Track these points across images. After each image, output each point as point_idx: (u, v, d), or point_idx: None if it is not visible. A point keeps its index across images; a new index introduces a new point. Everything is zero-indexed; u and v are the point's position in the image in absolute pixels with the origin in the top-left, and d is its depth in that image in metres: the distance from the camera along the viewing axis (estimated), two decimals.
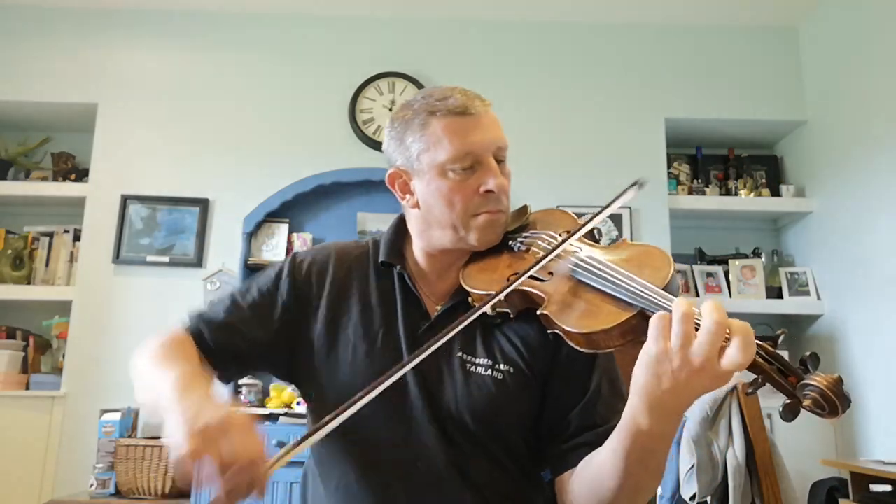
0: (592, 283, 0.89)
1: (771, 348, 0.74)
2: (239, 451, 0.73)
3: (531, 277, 0.94)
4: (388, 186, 1.09)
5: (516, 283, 0.92)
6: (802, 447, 2.86)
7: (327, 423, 0.80)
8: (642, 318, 0.81)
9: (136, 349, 1.04)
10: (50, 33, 3.32)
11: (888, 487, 2.34)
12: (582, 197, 3.15)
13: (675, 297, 0.78)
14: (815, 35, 3.31)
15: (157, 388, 0.87)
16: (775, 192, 3.37)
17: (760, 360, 0.73)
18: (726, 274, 3.28)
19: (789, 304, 3.18)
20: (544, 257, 0.93)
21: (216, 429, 0.74)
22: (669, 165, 3.41)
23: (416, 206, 1.05)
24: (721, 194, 3.38)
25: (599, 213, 0.96)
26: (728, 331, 0.71)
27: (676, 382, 0.73)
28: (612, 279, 0.87)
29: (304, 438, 0.79)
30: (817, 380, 0.69)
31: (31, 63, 3.29)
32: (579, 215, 1.09)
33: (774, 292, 3.22)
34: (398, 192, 1.07)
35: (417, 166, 1.02)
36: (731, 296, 3.21)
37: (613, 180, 3.22)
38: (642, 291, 0.82)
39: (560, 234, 1.02)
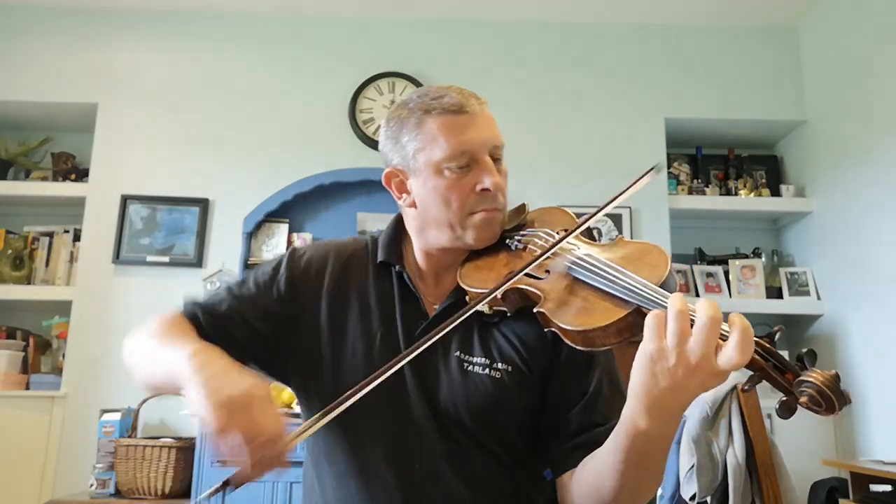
0: (589, 281, 0.88)
1: (767, 344, 0.73)
2: (262, 424, 0.74)
3: (528, 275, 0.93)
4: (385, 186, 1.08)
5: (511, 282, 0.91)
6: (802, 447, 2.86)
7: (344, 401, 0.81)
8: (638, 315, 0.80)
9: (133, 332, 1.02)
10: (50, 33, 3.32)
11: (888, 487, 2.34)
12: (581, 197, 3.14)
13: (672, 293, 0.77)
14: (815, 35, 3.31)
15: (168, 360, 0.87)
16: (775, 192, 3.37)
17: (757, 356, 0.71)
18: (726, 274, 3.28)
19: (789, 304, 3.18)
20: (540, 255, 0.92)
21: (240, 402, 0.74)
22: (669, 165, 3.41)
23: (413, 205, 1.04)
24: (721, 194, 3.38)
25: (611, 201, 0.93)
26: (726, 327, 0.71)
27: (674, 381, 0.72)
28: (608, 276, 0.86)
29: (322, 415, 0.80)
30: (814, 376, 0.67)
31: (31, 63, 3.29)
32: (578, 215, 1.09)
33: (774, 292, 3.22)
34: (395, 191, 1.07)
35: (414, 165, 1.02)
36: (731, 296, 3.21)
37: (613, 180, 3.22)
38: (638, 288, 0.81)
39: (558, 232, 1.02)
